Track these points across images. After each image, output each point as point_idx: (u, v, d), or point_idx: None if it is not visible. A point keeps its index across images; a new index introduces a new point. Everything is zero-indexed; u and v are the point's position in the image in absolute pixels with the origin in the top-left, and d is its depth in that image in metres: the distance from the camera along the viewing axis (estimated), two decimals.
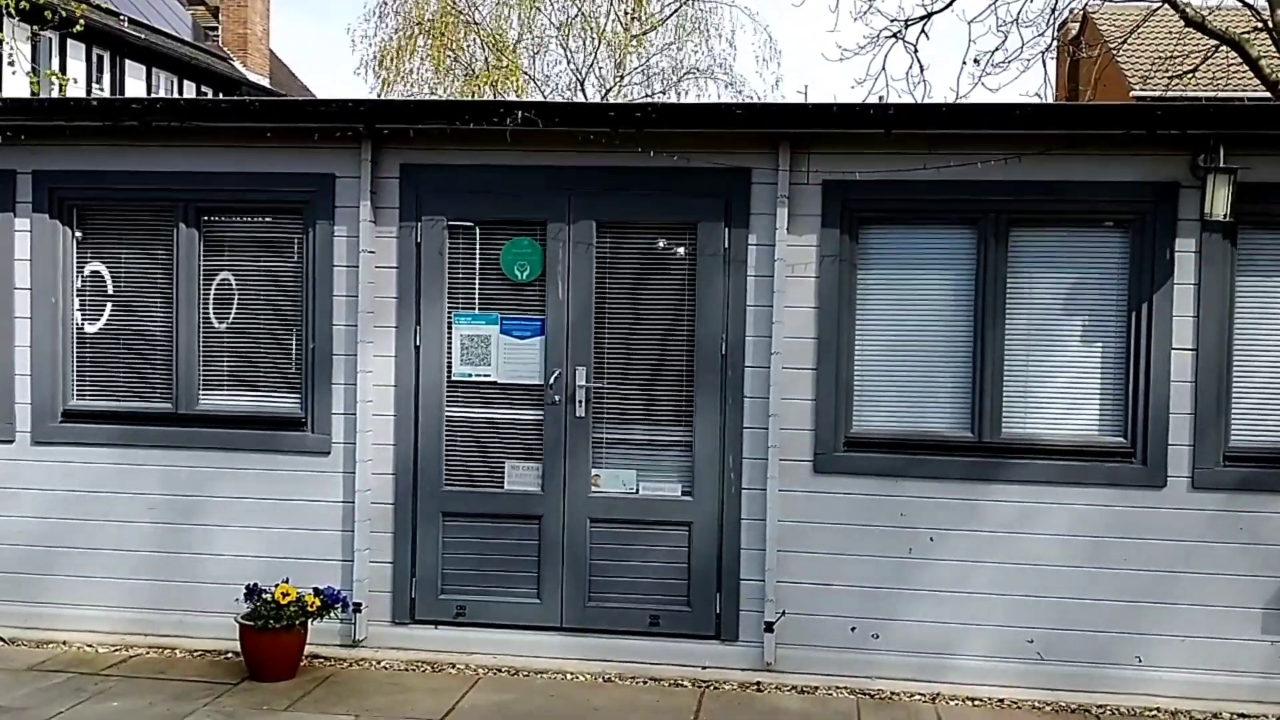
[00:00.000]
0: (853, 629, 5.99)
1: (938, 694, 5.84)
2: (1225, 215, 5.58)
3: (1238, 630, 5.80)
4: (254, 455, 6.33)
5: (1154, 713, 5.70)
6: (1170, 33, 15.97)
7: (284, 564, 6.27)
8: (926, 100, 14.06)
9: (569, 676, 5.99)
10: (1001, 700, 5.79)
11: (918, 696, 5.83)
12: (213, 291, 6.40)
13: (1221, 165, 5.58)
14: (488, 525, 6.23)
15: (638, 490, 6.14)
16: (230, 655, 6.10)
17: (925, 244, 6.00)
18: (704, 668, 6.06)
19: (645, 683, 5.93)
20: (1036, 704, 5.76)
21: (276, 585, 5.87)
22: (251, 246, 6.39)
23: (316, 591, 5.90)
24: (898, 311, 6.01)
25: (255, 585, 5.88)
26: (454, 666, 6.08)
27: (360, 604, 6.21)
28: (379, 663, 6.12)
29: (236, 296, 6.40)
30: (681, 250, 6.09)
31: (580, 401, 6.12)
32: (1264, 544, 5.78)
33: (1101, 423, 5.92)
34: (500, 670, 6.04)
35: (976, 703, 5.77)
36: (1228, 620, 5.80)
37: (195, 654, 6.18)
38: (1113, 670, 5.86)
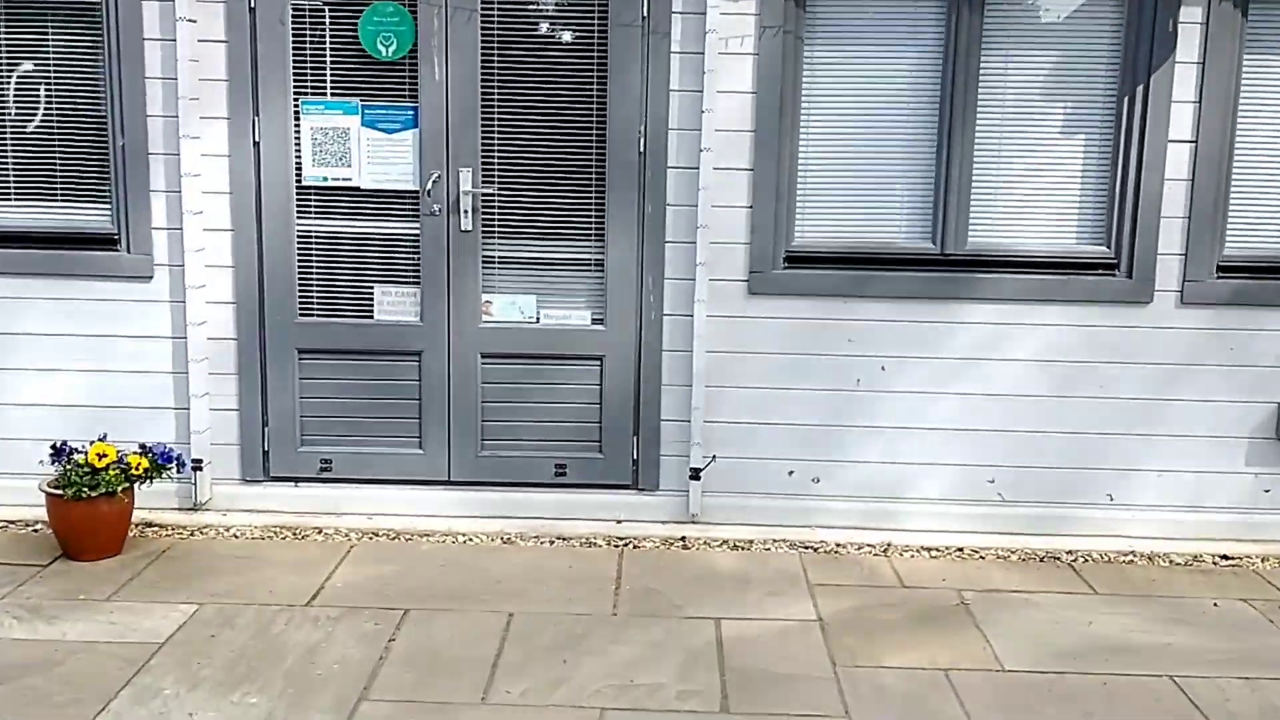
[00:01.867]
0: (790, 473, 5.16)
1: (889, 544, 5.08)
2: None
3: (1220, 462, 5.14)
4: (58, 281, 5.06)
5: (1128, 557, 5.05)
6: None
7: (104, 414, 5.10)
8: None
9: (461, 539, 5.03)
10: (961, 549, 5.07)
11: (867, 549, 5.06)
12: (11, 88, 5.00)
13: None
14: (356, 363, 5.13)
15: (538, 319, 5.11)
16: (40, 527, 4.96)
17: (886, 14, 4.93)
18: (619, 521, 5.18)
19: (552, 543, 5.01)
20: (1001, 551, 5.05)
21: (91, 443, 4.71)
22: (36, 18, 4.96)
23: (143, 449, 4.76)
24: (850, 98, 4.97)
25: (64, 444, 4.71)
26: (320, 532, 5.06)
27: (201, 460, 5.10)
28: (228, 530, 5.06)
29: (41, 89, 5.00)
30: (589, 19, 4.90)
31: (466, 212, 4.99)
32: (1252, 365, 5.08)
33: (1081, 230, 5.05)
34: (377, 535, 5.04)
35: (934, 553, 5.03)
36: (1210, 452, 5.13)
37: None
38: (1082, 511, 5.17)
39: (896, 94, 4.96)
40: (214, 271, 5.06)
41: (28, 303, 5.08)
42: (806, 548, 5.04)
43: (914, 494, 5.17)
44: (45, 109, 5.02)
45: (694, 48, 4.88)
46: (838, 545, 5.07)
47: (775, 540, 5.08)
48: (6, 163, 5.05)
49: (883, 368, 5.09)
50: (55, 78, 5.00)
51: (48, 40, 4.96)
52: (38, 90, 5.00)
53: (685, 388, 5.09)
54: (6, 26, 4.95)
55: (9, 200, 5.07)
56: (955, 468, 5.15)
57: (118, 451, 4.67)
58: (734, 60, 4.88)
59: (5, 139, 5.04)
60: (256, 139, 4.97)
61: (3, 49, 4.96)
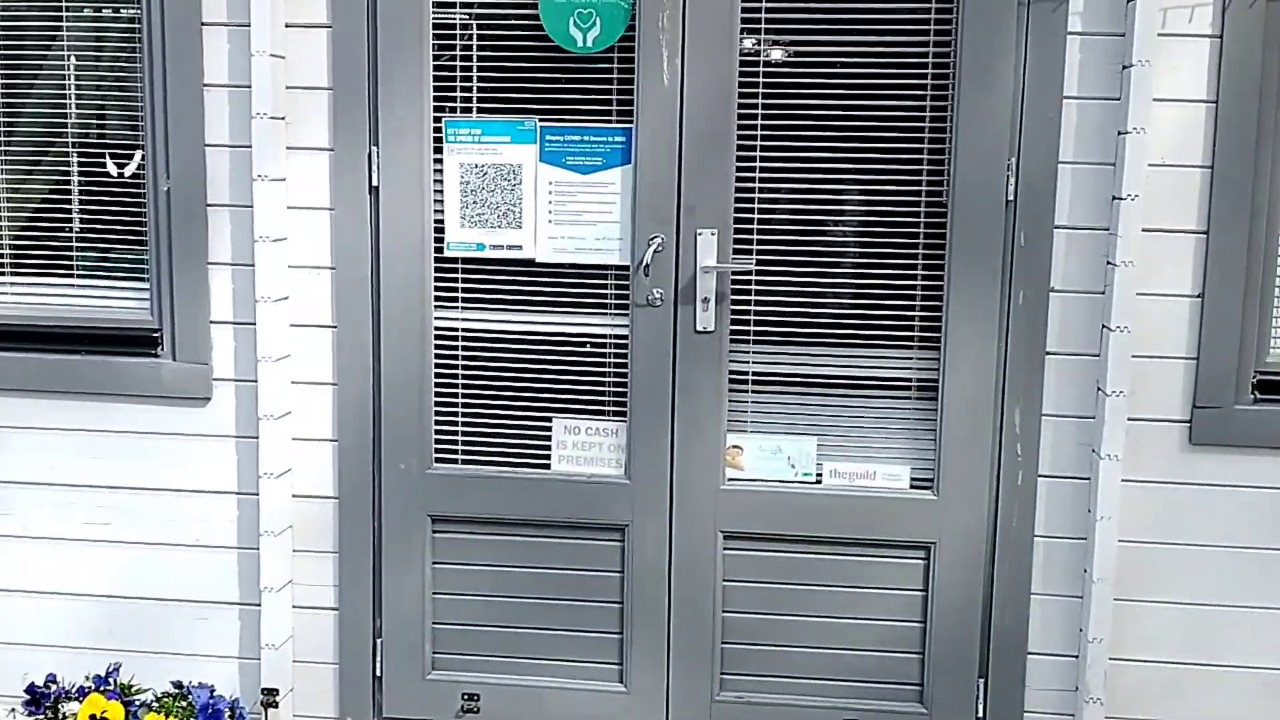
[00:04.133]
0: None
1: None
2: None
3: None
4: (66, 403, 3.24)
5: None
6: None
7: (131, 612, 3.25)
8: None
9: None
10: None
11: None
12: None
13: None
14: (521, 541, 3.18)
15: (819, 476, 3.10)
16: None
17: None
18: None
19: None
20: None
21: (86, 690, 2.83)
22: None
23: (178, 693, 2.87)
24: None
25: (48, 684, 2.84)
26: None
27: (275, 693, 3.20)
28: None
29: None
30: None
31: (705, 300, 3.03)
32: None
33: None
34: None
35: None
36: None
37: None
38: None
39: None
40: (305, 392, 3.19)
41: (20, 435, 3.27)
42: None
43: None
44: (53, 137, 3.24)
45: (1108, 25, 2.85)
46: None
47: None
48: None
49: None
50: (73, 86, 3.22)
51: (61, 30, 3.20)
52: (45, 103, 3.23)
53: (1074, 599, 3.01)
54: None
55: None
56: None
57: (130, 708, 2.78)
58: (1180, 46, 2.83)
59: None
60: (375, 181, 3.10)
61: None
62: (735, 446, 3.11)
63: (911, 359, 3.04)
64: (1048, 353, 2.96)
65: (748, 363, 3.08)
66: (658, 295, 3.04)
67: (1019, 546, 3.02)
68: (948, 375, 2.98)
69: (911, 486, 3.07)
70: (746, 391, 3.09)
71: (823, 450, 3.09)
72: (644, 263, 3.00)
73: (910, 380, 3.05)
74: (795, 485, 3.10)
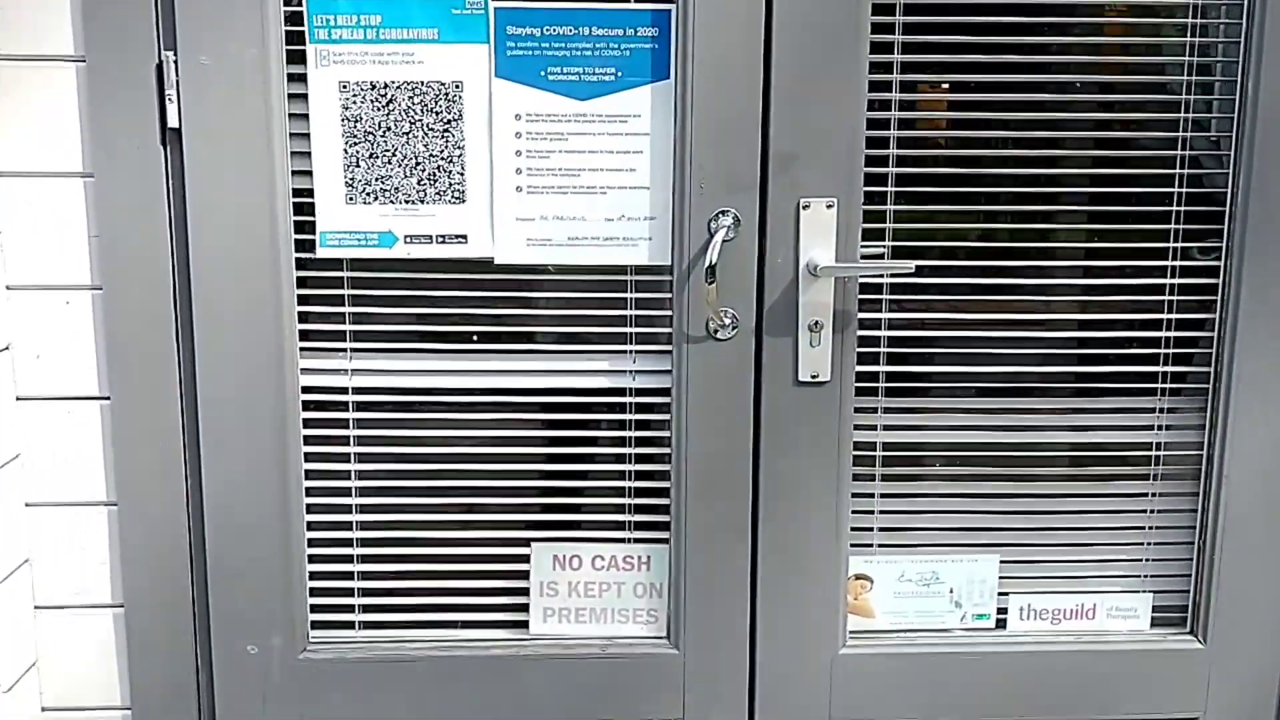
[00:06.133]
0: None
1: None
2: None
3: None
4: None
5: None
6: None
7: None
8: None
9: None
10: None
11: None
12: None
13: None
14: None
15: (1001, 619, 1.80)
16: None
17: None
18: None
19: None
20: None
21: None
22: None
23: None
24: None
25: None
26: None
27: None
28: None
29: None
30: None
31: (815, 327, 1.67)
32: None
33: None
34: None
35: None
36: None
37: None
38: None
39: None
40: (52, 520, 1.69)
41: None
42: None
43: None
44: None
45: None
46: None
47: None
48: None
49: None
50: None
51: None
52: None
53: None
54: None
55: None
56: None
57: None
58: None
59: None
60: (174, 121, 1.60)
61: None
62: (860, 578, 1.78)
63: (1157, 419, 1.77)
64: None
65: (876, 428, 1.75)
66: (727, 320, 1.66)
67: None
68: (1229, 447, 1.73)
69: (1154, 626, 1.82)
70: (875, 479, 1.77)
71: (1008, 576, 1.80)
72: (709, 262, 1.61)
73: (1155, 454, 1.78)
74: (963, 637, 1.80)
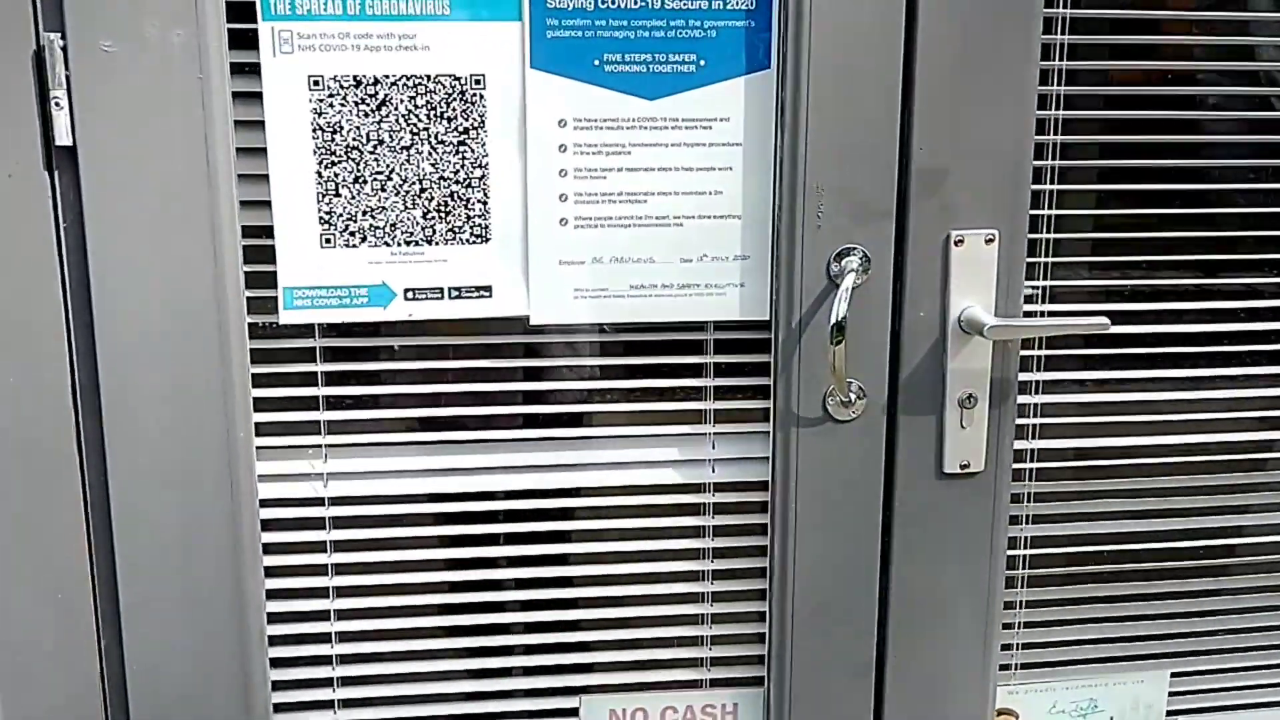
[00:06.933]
0: None
1: None
2: None
3: None
4: None
5: None
6: None
7: None
8: None
9: None
10: None
11: None
12: None
13: None
14: None
15: None
16: None
17: None
18: None
19: None
20: None
21: None
22: None
23: None
24: None
25: None
26: None
27: None
28: None
29: None
30: None
31: (968, 402, 1.26)
32: None
33: None
34: None
35: None
36: None
37: None
38: None
39: None
40: None
41: None
42: None
43: None
44: None
45: None
46: None
47: None
48: None
49: None
50: None
51: None
52: None
53: None
54: None
55: None
56: None
57: None
58: None
59: None
60: (66, 135, 1.09)
61: None
62: (1004, 713, 1.39)
63: None
64: None
65: (1024, 525, 1.35)
66: (854, 395, 1.23)
67: None
68: None
69: None
70: (1020, 585, 1.37)
71: (1178, 692, 1.43)
72: (835, 318, 1.17)
73: None
74: None
